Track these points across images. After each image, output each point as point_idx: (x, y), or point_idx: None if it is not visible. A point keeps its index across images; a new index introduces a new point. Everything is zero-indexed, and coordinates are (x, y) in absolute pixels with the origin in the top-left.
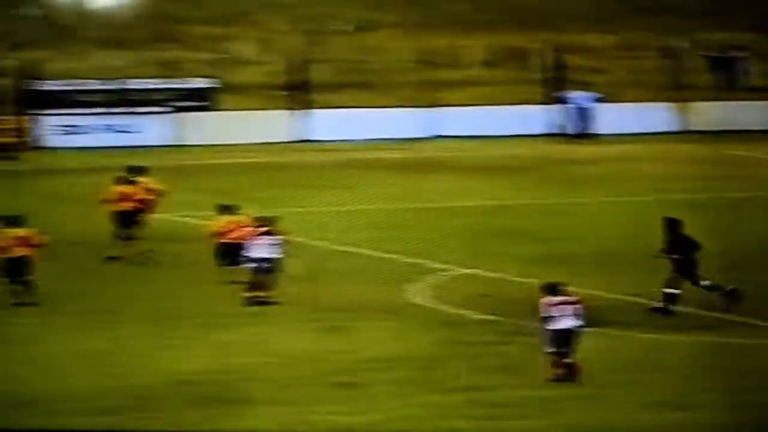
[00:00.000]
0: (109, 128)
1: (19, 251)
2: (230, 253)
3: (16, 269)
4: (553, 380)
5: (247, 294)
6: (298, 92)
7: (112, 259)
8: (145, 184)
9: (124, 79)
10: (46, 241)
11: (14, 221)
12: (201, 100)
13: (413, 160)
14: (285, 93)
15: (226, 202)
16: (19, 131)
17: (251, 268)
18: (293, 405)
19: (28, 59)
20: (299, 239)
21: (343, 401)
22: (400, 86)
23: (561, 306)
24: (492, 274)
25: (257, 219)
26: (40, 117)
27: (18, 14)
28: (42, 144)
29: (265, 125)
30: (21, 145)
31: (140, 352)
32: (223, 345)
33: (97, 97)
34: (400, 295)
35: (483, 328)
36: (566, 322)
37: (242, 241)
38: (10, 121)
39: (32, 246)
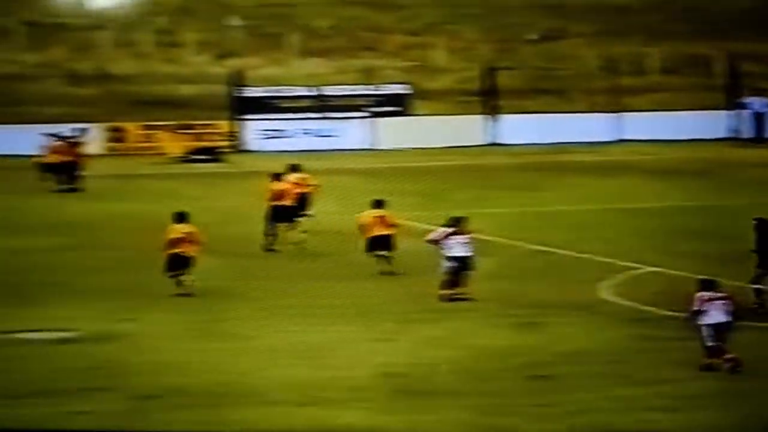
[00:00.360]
0: (308, 132)
1: (183, 247)
2: (376, 245)
3: (179, 264)
4: (705, 370)
5: (444, 291)
6: (488, 98)
7: (270, 251)
8: (300, 180)
9: (323, 86)
10: (205, 240)
11: (182, 218)
12: (396, 106)
13: (599, 163)
14: (476, 99)
15: (418, 203)
16: (228, 135)
17: (447, 267)
18: (493, 397)
19: (236, 67)
20: (493, 239)
21: (538, 393)
22: (586, 92)
23: (712, 301)
24: (675, 272)
25: (450, 219)
26: (246, 122)
27: (226, 25)
28: (247, 147)
29: (457, 129)
30: (229, 149)
31: (349, 345)
32: (424, 339)
33: (298, 103)
34: (591, 292)
35: (668, 323)
36: (717, 317)
37: (388, 234)
38: (221, 125)
39: (194, 243)
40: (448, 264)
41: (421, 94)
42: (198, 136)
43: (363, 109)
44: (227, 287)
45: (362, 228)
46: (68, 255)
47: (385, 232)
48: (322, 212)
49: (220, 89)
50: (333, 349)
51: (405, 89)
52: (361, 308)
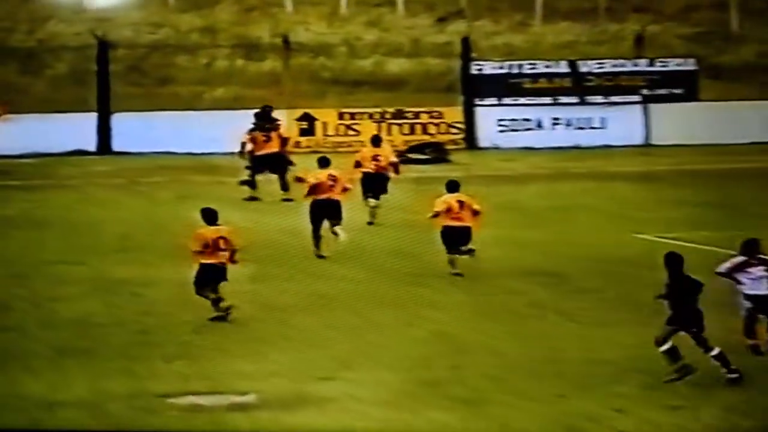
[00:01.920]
0: (561, 123)
1: (217, 256)
2: (449, 238)
3: (211, 277)
4: None
5: (747, 340)
6: None
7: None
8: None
9: (579, 60)
10: (239, 246)
11: (212, 217)
12: (678, 87)
13: None
14: None
15: (710, 219)
16: (455, 126)
17: (745, 308)
18: None
19: (461, 33)
20: None
21: None
22: None
23: None
24: None
25: (744, 244)
26: (478, 108)
27: None
28: (481, 143)
29: (762, 120)
30: (456, 144)
31: (628, 415)
32: (726, 407)
33: (547, 84)
34: None
35: None
36: None
37: (466, 225)
38: (445, 113)
39: (229, 250)
40: (746, 304)
41: (712, 72)
42: (415, 128)
43: (634, 91)
44: (446, 331)
45: (435, 215)
46: (245, 288)
47: (461, 223)
48: (581, 232)
49: (442, 64)
50: (604, 419)
51: (690, 65)
52: (637, 363)
